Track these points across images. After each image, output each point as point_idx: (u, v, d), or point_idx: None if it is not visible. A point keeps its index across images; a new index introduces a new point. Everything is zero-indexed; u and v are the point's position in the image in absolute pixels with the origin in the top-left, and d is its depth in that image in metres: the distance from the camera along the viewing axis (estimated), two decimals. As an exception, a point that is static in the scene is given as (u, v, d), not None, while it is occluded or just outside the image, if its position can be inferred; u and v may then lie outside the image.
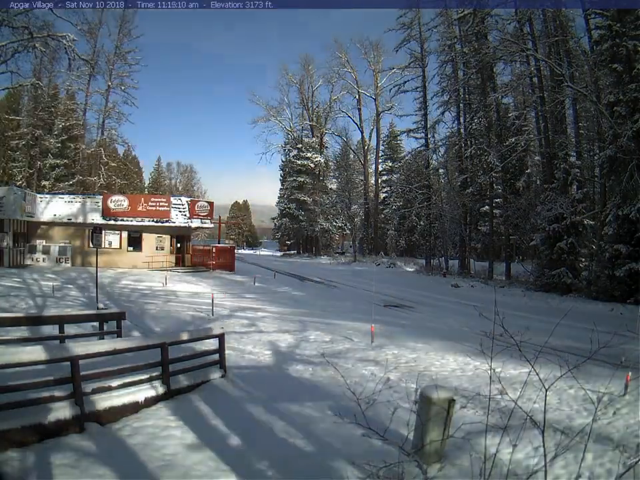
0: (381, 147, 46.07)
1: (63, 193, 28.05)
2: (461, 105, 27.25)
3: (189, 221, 23.96)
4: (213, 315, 10.87)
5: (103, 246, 16.11)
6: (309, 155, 44.84)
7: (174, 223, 23.50)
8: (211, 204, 25.31)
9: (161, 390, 4.99)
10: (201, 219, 24.43)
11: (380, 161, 45.74)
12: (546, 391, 2.27)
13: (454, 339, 8.72)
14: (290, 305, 13.47)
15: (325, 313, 11.95)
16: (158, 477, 3.45)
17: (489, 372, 2.48)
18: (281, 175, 52.35)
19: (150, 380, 4.97)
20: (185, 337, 5.91)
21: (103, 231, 16.06)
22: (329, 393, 5.51)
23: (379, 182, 45.05)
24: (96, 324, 7.64)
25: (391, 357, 7.39)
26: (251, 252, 63.18)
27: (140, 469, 3.55)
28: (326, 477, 3.54)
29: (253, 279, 19.59)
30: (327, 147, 48.04)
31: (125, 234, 23.31)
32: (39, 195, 23.42)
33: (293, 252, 51.63)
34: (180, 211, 24.00)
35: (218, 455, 3.80)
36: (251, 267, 29.34)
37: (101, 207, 22.80)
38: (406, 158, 39.25)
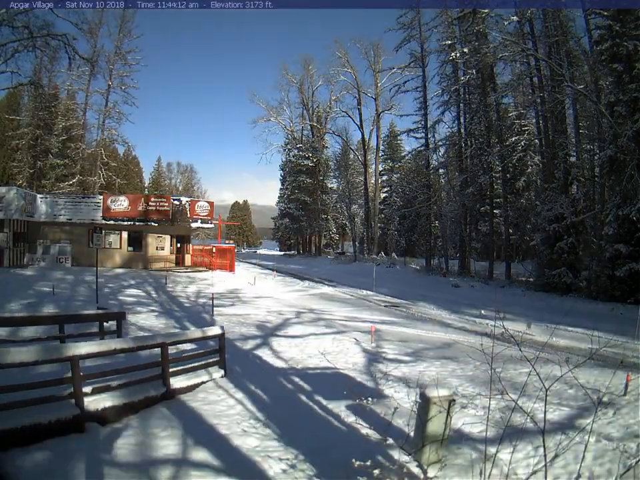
0: (381, 147, 46.00)
1: (63, 193, 28.08)
2: (461, 104, 27.22)
3: (189, 220, 23.97)
4: (213, 314, 10.89)
5: (102, 246, 16.09)
6: (309, 154, 44.81)
7: (174, 223, 23.49)
8: (211, 204, 25.29)
9: (160, 390, 5.00)
10: (201, 219, 24.42)
11: (380, 160, 45.68)
12: (546, 390, 2.28)
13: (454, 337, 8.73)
14: (290, 305, 13.49)
15: (326, 313, 11.96)
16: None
17: (490, 372, 2.48)
18: (281, 175, 52.37)
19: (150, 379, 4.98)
20: (185, 337, 5.91)
21: (103, 231, 16.04)
22: (328, 391, 5.51)
23: (379, 182, 44.99)
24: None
25: (391, 357, 7.39)
26: (251, 252, 63.30)
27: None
28: (326, 476, 3.54)
29: (253, 279, 19.61)
30: (327, 147, 48.00)
31: (125, 234, 23.31)
32: (39, 195, 23.41)
33: (293, 252, 51.65)
34: (179, 211, 23.99)
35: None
36: (251, 267, 29.35)
37: (100, 207, 22.79)
38: (406, 158, 39.20)
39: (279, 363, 6.95)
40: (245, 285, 18.74)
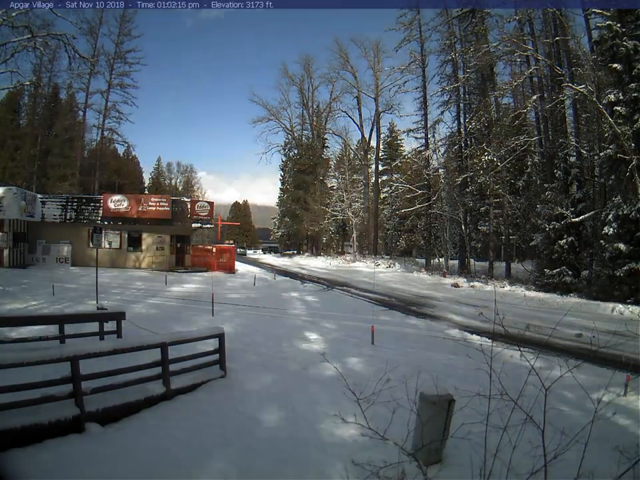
0: (381, 147, 46.02)
1: (63, 193, 28.08)
2: (461, 104, 27.24)
3: (189, 220, 23.98)
4: (213, 315, 10.88)
5: (102, 246, 16.11)
6: (309, 154, 44.81)
7: (174, 223, 23.50)
8: (210, 204, 25.29)
9: (160, 390, 5.00)
10: (201, 219, 24.42)
11: (380, 161, 45.70)
12: (546, 390, 2.28)
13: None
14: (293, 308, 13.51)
15: (327, 314, 11.98)
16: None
17: (489, 372, 2.48)
18: (281, 175, 52.32)
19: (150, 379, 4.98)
20: (185, 337, 5.91)
21: (103, 231, 16.06)
22: (327, 390, 5.51)
23: (379, 182, 45.00)
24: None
25: (391, 357, 7.38)
26: (251, 252, 63.42)
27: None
28: (325, 476, 3.54)
29: (253, 279, 19.62)
30: (327, 147, 48.02)
31: (125, 234, 23.32)
32: (39, 195, 23.42)
33: (292, 252, 51.61)
34: (179, 211, 23.99)
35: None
36: (251, 268, 29.34)
37: (101, 207, 22.79)
38: (406, 158, 39.20)
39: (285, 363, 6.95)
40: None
